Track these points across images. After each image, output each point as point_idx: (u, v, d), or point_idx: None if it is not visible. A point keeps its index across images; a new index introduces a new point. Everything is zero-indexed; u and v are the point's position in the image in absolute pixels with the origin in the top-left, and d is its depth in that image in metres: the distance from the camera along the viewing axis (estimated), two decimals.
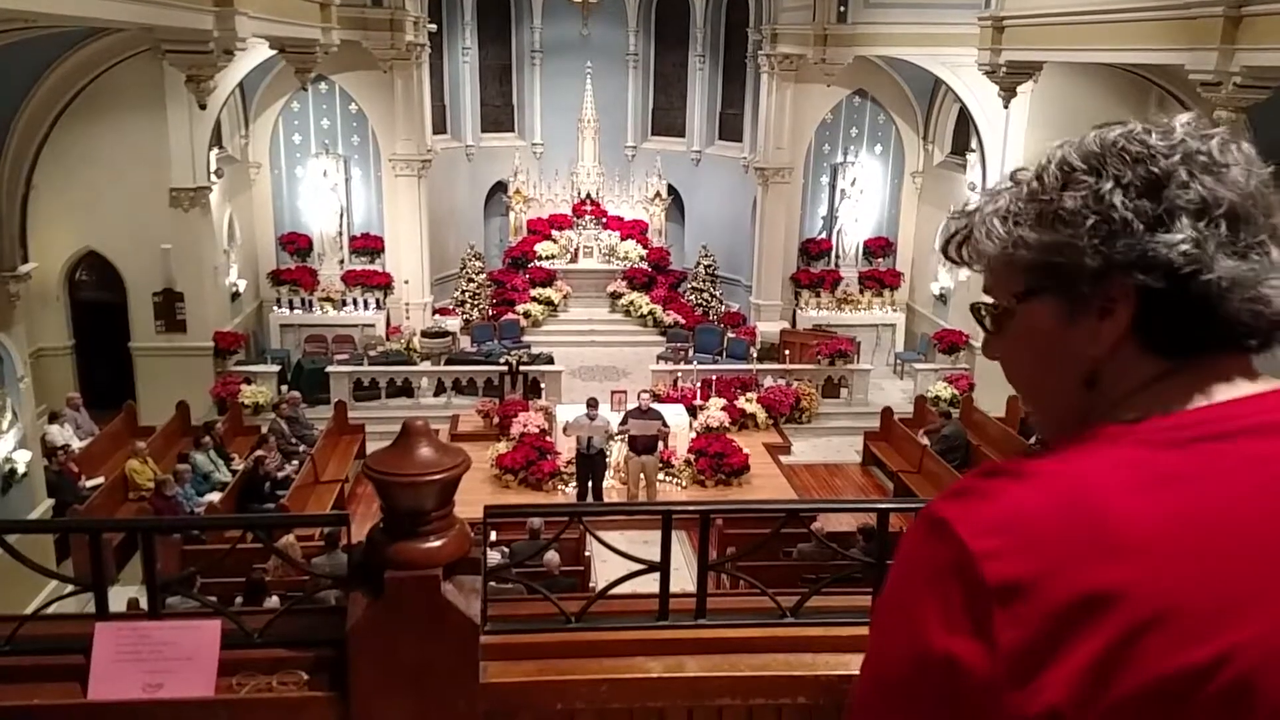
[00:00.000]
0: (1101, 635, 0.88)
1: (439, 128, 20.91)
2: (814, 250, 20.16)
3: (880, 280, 20.10)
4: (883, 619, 1.07)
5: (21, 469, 10.59)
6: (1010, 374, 1.17)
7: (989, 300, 1.13)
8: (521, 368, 16.90)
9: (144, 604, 2.36)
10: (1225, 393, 1.01)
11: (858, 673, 1.13)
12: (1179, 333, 1.01)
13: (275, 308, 18.54)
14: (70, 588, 2.46)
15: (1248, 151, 1.04)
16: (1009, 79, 14.34)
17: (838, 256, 20.24)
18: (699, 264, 21.91)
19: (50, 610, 2.46)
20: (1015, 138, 16.36)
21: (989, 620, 0.91)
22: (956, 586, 0.94)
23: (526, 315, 20.29)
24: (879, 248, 20.25)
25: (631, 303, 20.83)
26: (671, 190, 22.69)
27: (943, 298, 18.82)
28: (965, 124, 17.77)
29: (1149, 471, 0.94)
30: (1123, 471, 0.95)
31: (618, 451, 14.03)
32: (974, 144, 17.26)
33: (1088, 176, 1.02)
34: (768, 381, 17.01)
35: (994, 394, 15.72)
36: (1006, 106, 15.06)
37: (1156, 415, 1.01)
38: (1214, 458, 0.95)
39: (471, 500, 2.20)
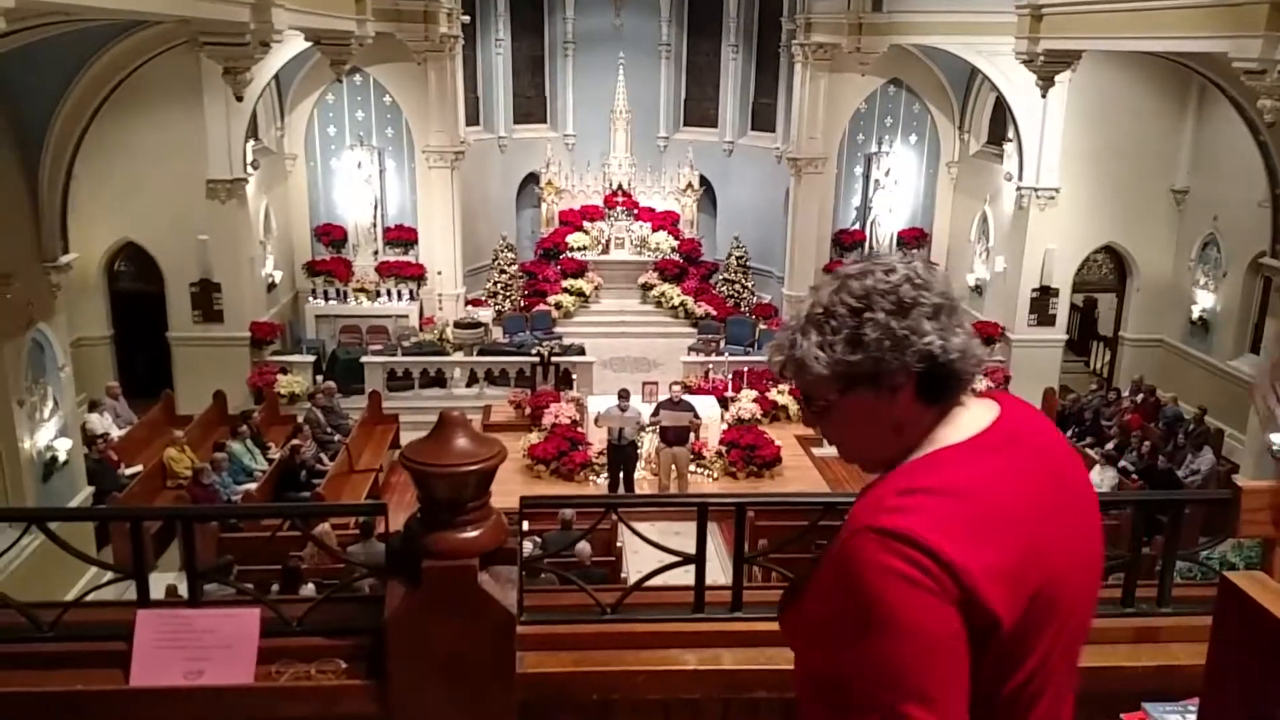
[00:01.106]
0: (1013, 568, 1.49)
1: (472, 119, 20.94)
2: (847, 241, 20.02)
3: None
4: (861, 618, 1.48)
5: (62, 457, 10.75)
6: (837, 439, 1.70)
7: (816, 401, 1.65)
8: (553, 359, 16.93)
9: (182, 591, 2.38)
10: (968, 415, 1.63)
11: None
12: (941, 391, 1.59)
13: (310, 298, 18.68)
14: (110, 575, 2.49)
15: (940, 269, 1.71)
16: (1047, 68, 14.13)
17: (871, 247, 20.08)
18: (731, 255, 21.83)
19: (90, 597, 2.49)
20: (1053, 127, 16.17)
21: (962, 585, 1.45)
22: (930, 570, 1.44)
23: (558, 306, 20.30)
24: (913, 239, 20.07)
25: (663, 294, 20.80)
26: (703, 181, 22.61)
27: (978, 289, 18.64)
28: (1002, 113, 17.57)
29: (991, 470, 1.57)
30: (980, 473, 1.56)
31: (649, 443, 14.03)
32: (1010, 134, 17.06)
33: (868, 312, 1.56)
34: None
35: (1030, 386, 15.57)
36: (1044, 96, 14.85)
37: (944, 442, 1.60)
38: (1009, 461, 1.60)
39: (503, 491, 2.19)
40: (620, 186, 22.26)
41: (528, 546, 9.09)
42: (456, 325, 18.26)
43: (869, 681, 1.47)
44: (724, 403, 15.60)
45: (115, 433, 13.57)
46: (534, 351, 17.08)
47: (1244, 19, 9.67)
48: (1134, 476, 13.22)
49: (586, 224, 21.96)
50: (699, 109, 23.55)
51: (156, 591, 2.47)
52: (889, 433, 1.61)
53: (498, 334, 19.05)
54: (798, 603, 1.72)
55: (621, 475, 13.48)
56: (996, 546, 1.48)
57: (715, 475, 14.28)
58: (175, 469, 12.68)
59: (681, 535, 2.56)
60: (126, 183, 14.51)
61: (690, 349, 18.32)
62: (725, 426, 14.94)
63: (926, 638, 1.44)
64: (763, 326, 19.42)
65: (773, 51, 21.47)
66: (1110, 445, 14.25)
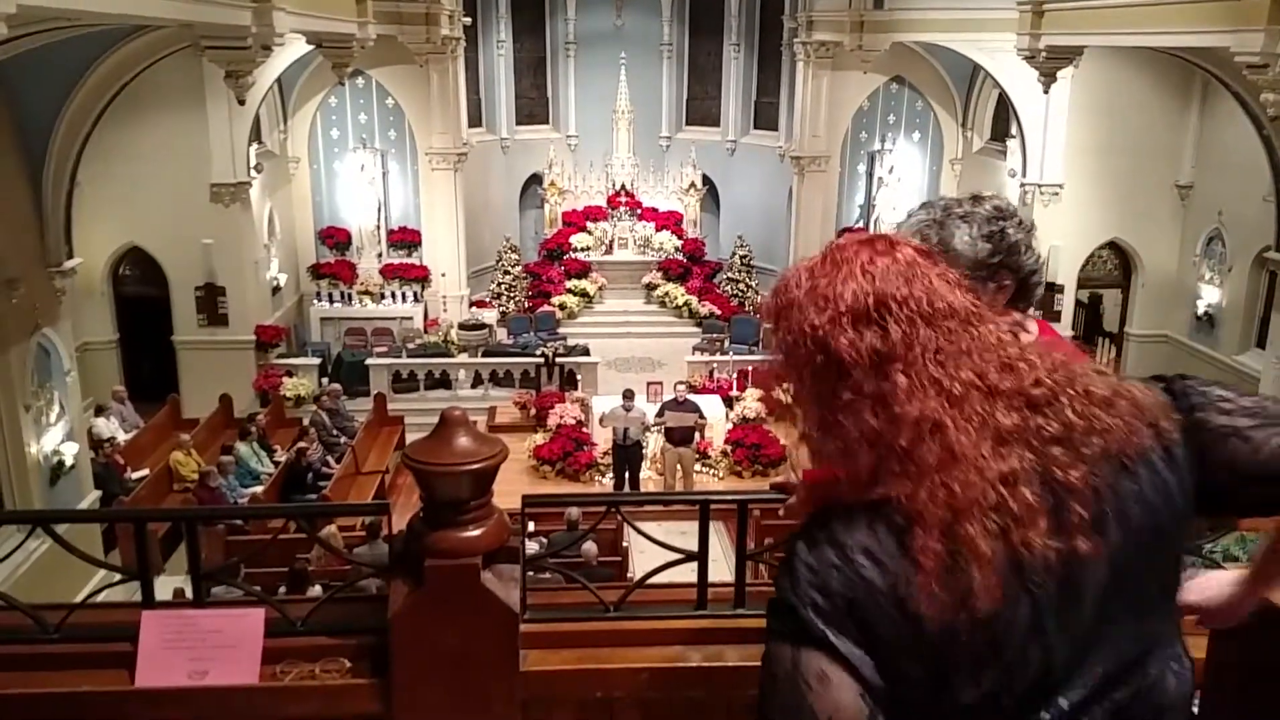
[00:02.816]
0: None
1: (474, 121, 20.97)
2: None
3: None
4: None
5: (69, 461, 10.78)
6: None
7: None
8: (557, 359, 16.95)
9: (189, 593, 2.40)
10: (1030, 327, 2.02)
11: None
12: (1019, 300, 2.06)
13: (315, 301, 18.71)
14: (118, 576, 2.50)
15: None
16: (1049, 64, 14.13)
17: None
18: (734, 254, 21.82)
19: (99, 598, 2.51)
20: (1056, 123, 16.14)
21: None
22: None
23: (562, 307, 20.32)
24: None
25: (667, 294, 20.81)
26: (706, 180, 22.61)
27: None
28: (1005, 110, 17.56)
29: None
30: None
31: (654, 443, 14.04)
32: (1014, 130, 17.05)
33: (1003, 221, 2.04)
34: None
35: None
36: (1046, 92, 14.85)
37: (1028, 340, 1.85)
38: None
39: (509, 491, 2.20)
40: (623, 186, 22.28)
41: (533, 547, 9.11)
42: (461, 327, 18.29)
43: None
44: (729, 402, 15.60)
45: (121, 437, 13.60)
46: (538, 352, 17.09)
47: (1246, 13, 9.66)
48: None
49: (590, 224, 21.98)
50: (701, 108, 23.56)
51: (164, 595, 2.48)
52: None
53: (502, 335, 19.07)
54: None
55: (627, 475, 13.49)
56: None
57: (720, 474, 14.29)
58: (182, 472, 12.71)
59: (687, 535, 2.56)
60: (130, 187, 14.53)
61: (694, 348, 18.33)
62: (730, 426, 14.94)
63: None
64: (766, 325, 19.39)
65: (775, 50, 21.47)
66: None
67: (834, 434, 1.34)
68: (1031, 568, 1.23)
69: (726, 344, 18.48)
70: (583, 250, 21.61)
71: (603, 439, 14.13)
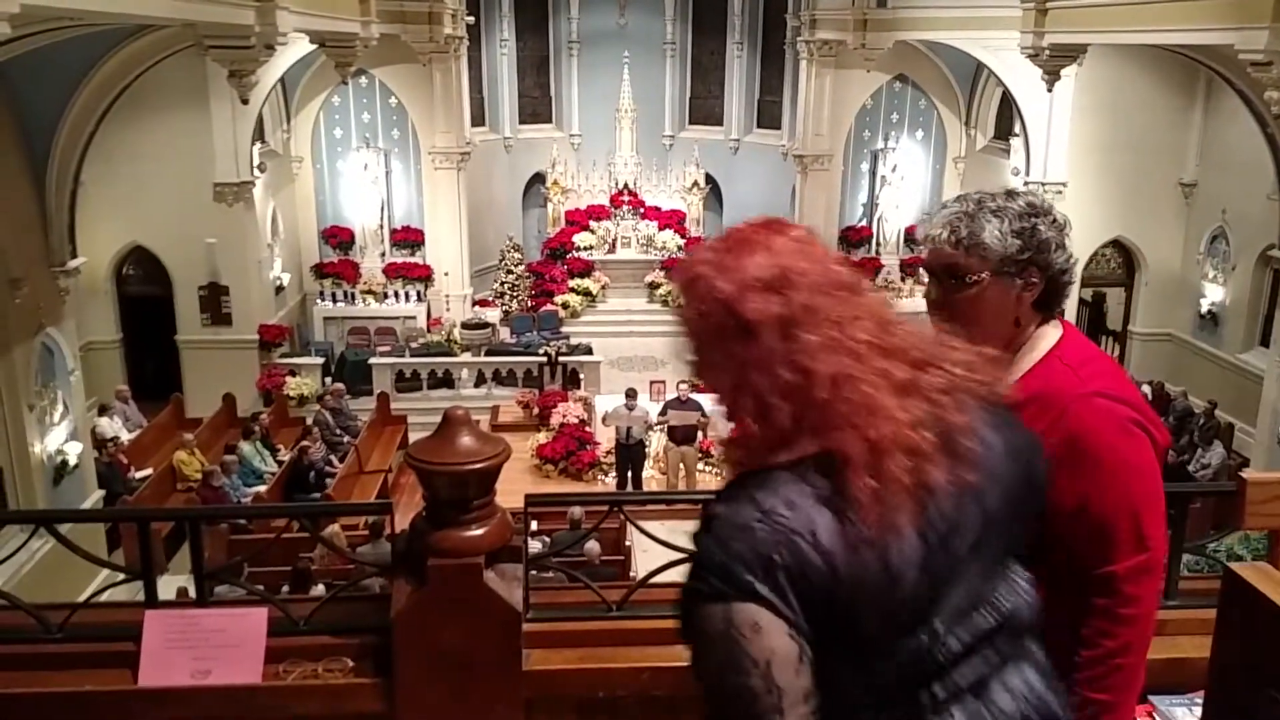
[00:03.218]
0: None
1: (477, 120, 20.95)
2: (854, 238, 20.00)
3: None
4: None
5: (73, 461, 10.79)
6: (964, 319, 1.93)
7: (970, 275, 1.99)
8: (560, 358, 16.94)
9: (192, 593, 2.40)
10: (1056, 327, 2.06)
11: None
12: (1049, 302, 2.04)
13: (318, 300, 18.70)
14: (121, 576, 2.50)
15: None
16: (1053, 62, 14.10)
17: (878, 244, 20.05)
18: None
19: (104, 597, 2.51)
20: (1059, 122, 16.12)
21: (1147, 420, 2.00)
22: (1138, 418, 1.95)
23: (565, 306, 20.30)
24: None
25: (670, 293, 20.77)
26: (709, 179, 22.57)
27: None
28: (1008, 108, 17.53)
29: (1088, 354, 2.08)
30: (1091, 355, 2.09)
31: (657, 442, 14.03)
32: (1017, 128, 17.02)
33: (1036, 218, 2.01)
34: None
35: None
36: (1050, 90, 14.82)
37: (1048, 338, 2.04)
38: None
39: (512, 490, 2.20)
40: (626, 185, 22.23)
41: (535, 546, 9.10)
42: (464, 326, 18.27)
43: (1134, 514, 1.86)
44: None
45: (125, 436, 13.62)
46: (541, 351, 17.09)
47: (1250, 10, 9.63)
48: None
49: (593, 223, 21.94)
50: (704, 107, 23.53)
51: (167, 594, 2.48)
52: (1009, 324, 1.99)
53: (505, 334, 19.05)
54: None
55: (630, 474, 13.49)
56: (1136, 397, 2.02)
57: (723, 473, 14.26)
58: (185, 472, 12.72)
59: (690, 534, 2.55)
60: (134, 187, 14.54)
61: None
62: (732, 424, 14.91)
63: (1154, 474, 1.91)
64: None
65: (778, 48, 21.43)
66: None
67: (748, 394, 1.43)
68: (930, 503, 1.36)
69: None
70: (585, 249, 21.57)
71: (605, 438, 14.13)
